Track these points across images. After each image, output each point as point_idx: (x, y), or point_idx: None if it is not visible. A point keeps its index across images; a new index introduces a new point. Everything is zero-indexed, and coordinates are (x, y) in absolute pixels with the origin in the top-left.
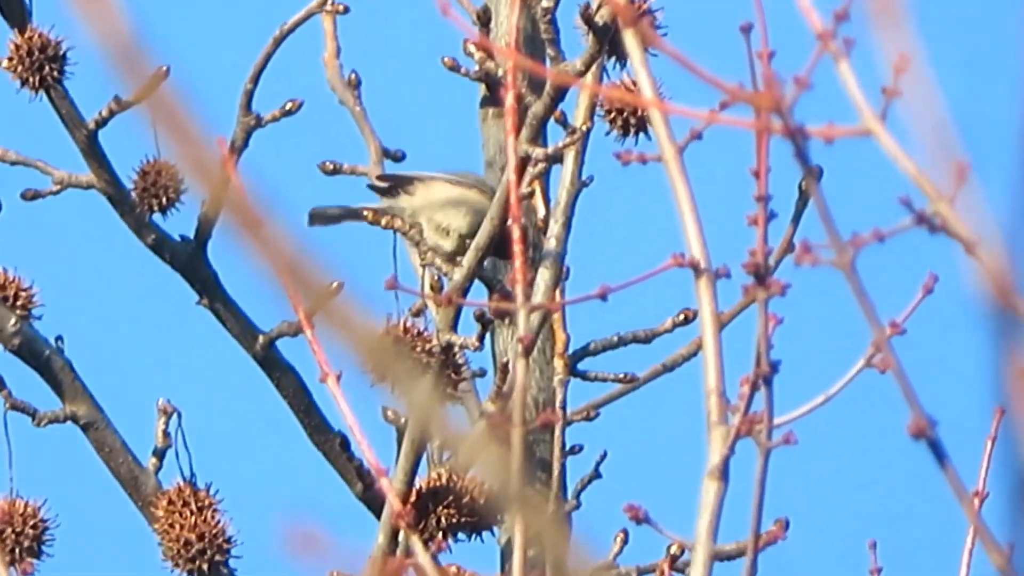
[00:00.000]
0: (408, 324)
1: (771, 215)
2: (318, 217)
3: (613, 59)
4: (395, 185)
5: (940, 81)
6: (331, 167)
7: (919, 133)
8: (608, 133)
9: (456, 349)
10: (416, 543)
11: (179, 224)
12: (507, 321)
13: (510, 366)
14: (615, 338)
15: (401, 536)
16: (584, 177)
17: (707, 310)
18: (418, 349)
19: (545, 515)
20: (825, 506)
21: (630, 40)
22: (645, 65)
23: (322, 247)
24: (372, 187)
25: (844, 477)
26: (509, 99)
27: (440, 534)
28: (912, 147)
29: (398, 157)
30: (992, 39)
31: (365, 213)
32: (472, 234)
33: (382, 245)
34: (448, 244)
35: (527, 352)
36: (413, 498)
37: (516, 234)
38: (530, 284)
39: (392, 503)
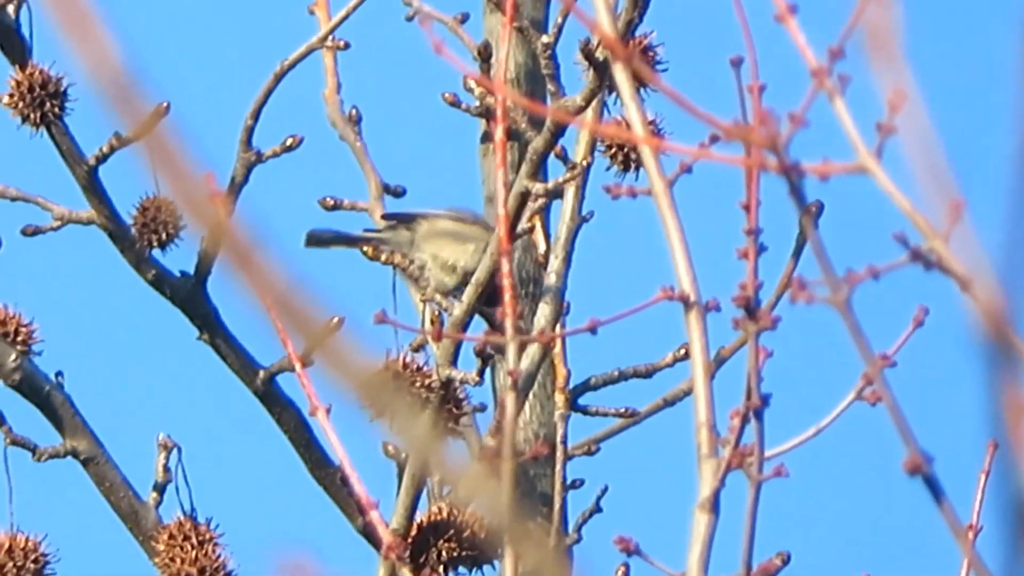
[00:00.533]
0: (408, 359)
1: (762, 248)
2: (314, 239)
3: (614, 94)
4: (398, 221)
5: (935, 117)
6: (331, 203)
7: (914, 170)
8: (608, 168)
9: (456, 384)
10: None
11: (179, 260)
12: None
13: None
14: (616, 373)
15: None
16: (584, 212)
17: (697, 344)
18: (418, 384)
19: (543, 548)
20: (818, 539)
21: (620, 75)
22: (635, 100)
23: (319, 283)
24: (372, 230)
25: (837, 510)
26: (499, 133)
27: (441, 568)
28: (907, 184)
29: (398, 192)
30: (985, 74)
31: (365, 249)
32: (475, 270)
33: (382, 280)
34: (452, 280)
35: (516, 386)
36: (414, 532)
37: (505, 267)
38: (521, 317)
39: (382, 536)
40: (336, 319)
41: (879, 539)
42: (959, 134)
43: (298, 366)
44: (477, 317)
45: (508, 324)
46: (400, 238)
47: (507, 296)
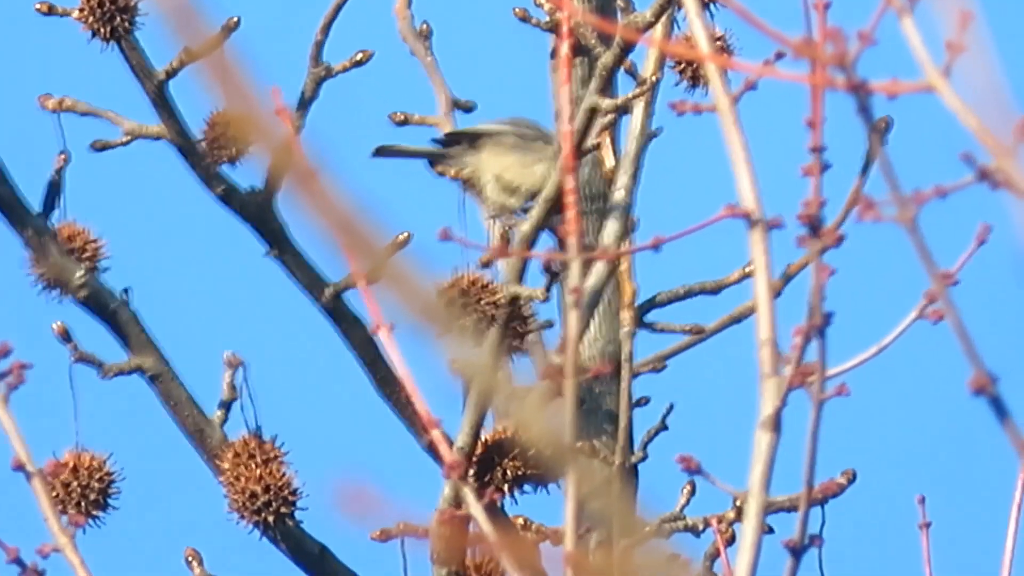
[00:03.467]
0: (475, 276)
1: (826, 166)
2: (381, 151)
3: (683, 10)
4: (462, 139)
5: (998, 37)
6: (401, 117)
7: (979, 90)
8: (677, 84)
9: (523, 301)
10: (468, 494)
11: (249, 175)
12: None
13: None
14: (682, 289)
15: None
16: (653, 128)
17: (760, 261)
18: (484, 301)
19: (604, 467)
20: (879, 458)
21: None
22: (701, 16)
23: (385, 202)
24: (438, 141)
25: (898, 429)
26: (564, 49)
27: (506, 487)
28: (974, 103)
29: (468, 107)
30: None
31: (438, 169)
32: (539, 191)
33: (450, 198)
34: (515, 201)
35: (579, 303)
36: (479, 450)
37: (569, 184)
38: (584, 235)
39: (444, 455)
40: (403, 235)
41: (939, 458)
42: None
43: (361, 283)
44: (546, 233)
45: (572, 242)
46: (464, 156)
47: (571, 213)
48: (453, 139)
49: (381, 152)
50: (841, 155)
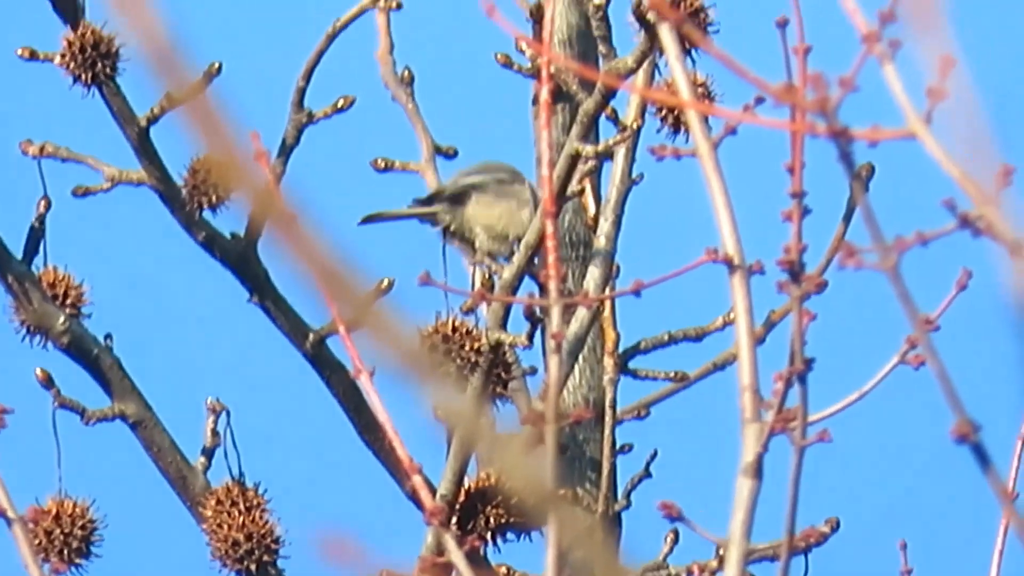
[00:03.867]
0: (457, 323)
1: (807, 211)
2: (368, 219)
3: (664, 56)
4: (443, 196)
5: (980, 84)
6: (383, 164)
7: (961, 136)
8: (659, 130)
9: (505, 347)
10: (449, 541)
11: (231, 221)
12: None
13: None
14: (665, 336)
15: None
16: (635, 174)
17: (741, 305)
18: (467, 348)
19: (587, 515)
20: (860, 504)
21: (666, 37)
22: (681, 62)
23: (367, 248)
24: (420, 201)
25: (879, 475)
26: (543, 94)
27: (488, 534)
28: (955, 150)
29: (451, 153)
30: None
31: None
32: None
33: (431, 245)
34: (505, 248)
35: (559, 349)
36: (462, 498)
37: (549, 230)
38: (564, 280)
39: (425, 501)
40: (386, 281)
41: (920, 505)
42: (1004, 99)
43: (342, 329)
44: (528, 279)
45: (552, 287)
46: (450, 212)
47: (551, 258)
48: (435, 196)
49: (368, 220)
50: (822, 201)
